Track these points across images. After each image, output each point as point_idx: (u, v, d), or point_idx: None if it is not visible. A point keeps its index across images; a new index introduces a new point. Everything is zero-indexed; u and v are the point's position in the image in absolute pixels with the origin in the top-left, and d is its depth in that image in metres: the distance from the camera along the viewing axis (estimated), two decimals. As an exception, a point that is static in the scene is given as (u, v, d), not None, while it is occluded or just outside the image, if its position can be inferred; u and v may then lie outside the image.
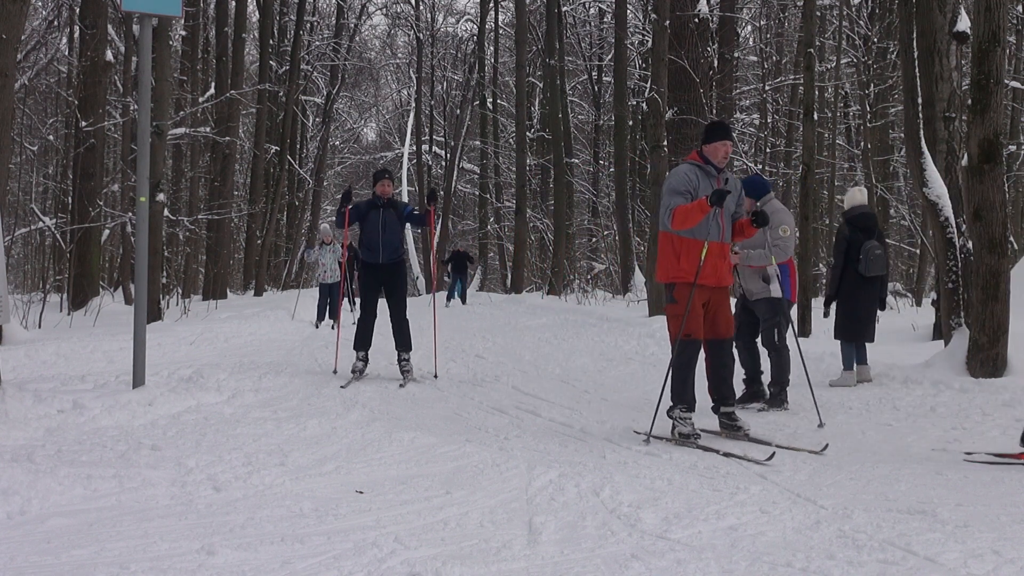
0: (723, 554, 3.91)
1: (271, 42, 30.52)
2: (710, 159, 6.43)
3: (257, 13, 32.38)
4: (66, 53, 23.77)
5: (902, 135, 18.29)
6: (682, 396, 6.44)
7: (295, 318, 17.18)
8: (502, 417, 7.41)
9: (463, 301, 23.78)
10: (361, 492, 4.97)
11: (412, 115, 42.17)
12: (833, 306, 9.14)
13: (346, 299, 17.85)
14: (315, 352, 11.87)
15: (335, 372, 9.77)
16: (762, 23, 26.93)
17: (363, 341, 9.60)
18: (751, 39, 30.27)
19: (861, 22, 22.60)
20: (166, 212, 16.91)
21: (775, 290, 7.85)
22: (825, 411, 7.59)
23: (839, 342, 8.97)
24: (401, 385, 9.12)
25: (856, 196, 9.13)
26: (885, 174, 22.77)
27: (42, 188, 30.99)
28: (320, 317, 16.97)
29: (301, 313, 17.90)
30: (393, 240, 9.49)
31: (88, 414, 6.92)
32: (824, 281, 21.52)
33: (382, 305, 9.82)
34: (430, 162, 44.07)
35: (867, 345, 8.86)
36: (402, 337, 9.57)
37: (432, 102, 44.37)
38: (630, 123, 28.01)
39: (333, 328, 15.69)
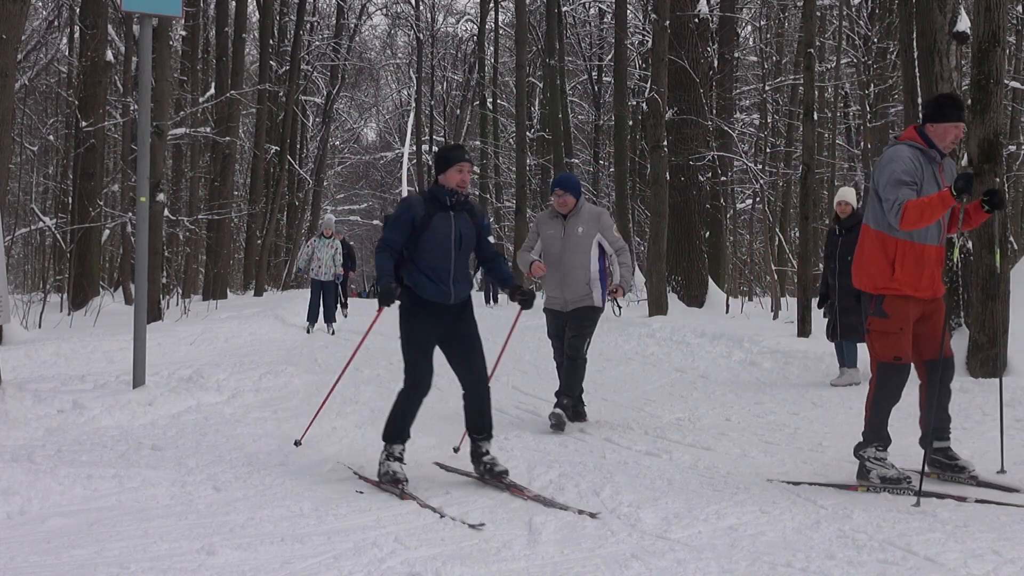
0: (723, 554, 3.91)
1: (271, 42, 30.51)
2: (935, 143, 5.06)
3: (257, 13, 32.38)
4: (66, 53, 23.76)
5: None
6: (879, 432, 5.27)
7: (286, 322, 16.07)
8: (502, 417, 7.40)
9: (495, 301, 23.79)
10: (361, 492, 4.97)
11: (412, 115, 42.19)
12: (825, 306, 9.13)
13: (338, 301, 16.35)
14: (315, 352, 11.87)
15: (297, 444, 6.02)
16: (762, 23, 26.92)
17: (400, 428, 5.43)
18: (751, 39, 30.26)
19: (861, 22, 22.59)
20: (166, 212, 16.89)
21: (598, 298, 7.19)
22: (825, 411, 7.58)
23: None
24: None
25: (848, 196, 9.10)
26: (885, 174, 22.69)
27: (42, 188, 30.97)
28: (312, 319, 15.39)
29: (292, 316, 16.76)
30: (467, 263, 5.65)
31: (88, 414, 6.92)
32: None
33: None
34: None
35: (859, 346, 8.86)
36: (483, 415, 5.55)
37: (432, 102, 44.37)
38: (630, 123, 27.99)
39: (333, 332, 15.04)
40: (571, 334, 7.15)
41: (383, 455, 5.31)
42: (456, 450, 5.91)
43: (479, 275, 24.27)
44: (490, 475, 5.27)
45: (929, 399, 5.40)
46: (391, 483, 5.11)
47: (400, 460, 5.27)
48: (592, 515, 4.46)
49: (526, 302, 5.67)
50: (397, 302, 5.34)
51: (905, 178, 4.94)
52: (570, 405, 7.08)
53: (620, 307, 7.58)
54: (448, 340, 5.50)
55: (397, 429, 5.38)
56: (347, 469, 5.57)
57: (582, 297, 7.12)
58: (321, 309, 15.34)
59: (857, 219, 8.94)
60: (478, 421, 5.52)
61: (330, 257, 15.38)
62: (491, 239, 6.01)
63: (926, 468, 5.05)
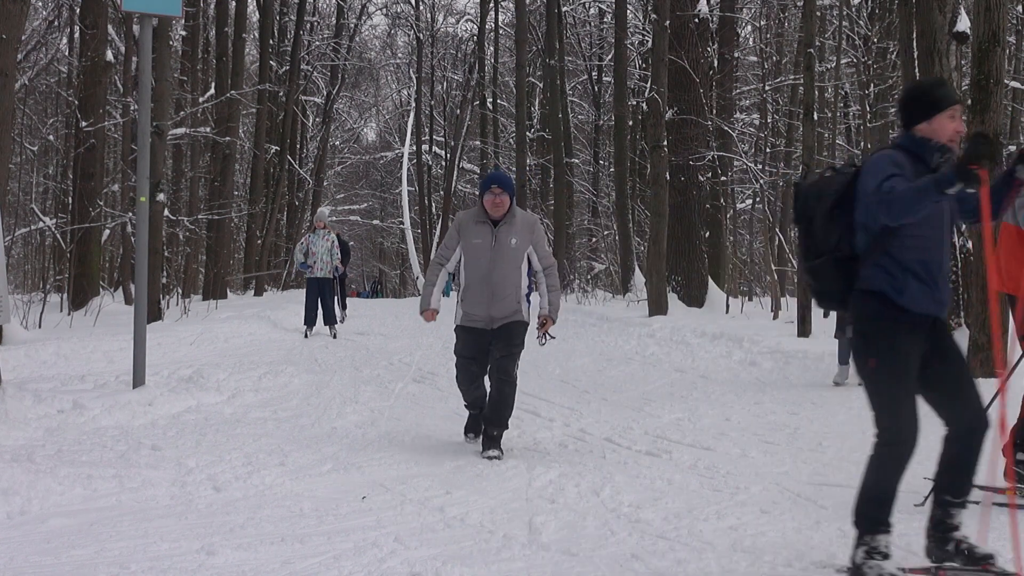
0: (723, 554, 3.91)
1: (271, 42, 30.49)
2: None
3: (257, 13, 32.36)
4: (66, 53, 23.77)
5: (902, 135, 18.25)
6: None
7: (279, 326, 14.88)
8: (502, 417, 7.39)
9: None
10: (365, 497, 4.94)
11: (412, 115, 42.16)
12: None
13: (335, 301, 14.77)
14: (315, 352, 11.87)
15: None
16: (762, 23, 26.91)
17: (882, 510, 3.72)
18: (751, 39, 30.24)
19: (861, 22, 22.59)
20: (166, 212, 16.88)
21: (526, 311, 6.30)
22: (825, 411, 7.58)
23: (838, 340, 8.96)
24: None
25: None
26: (885, 174, 22.71)
27: (42, 188, 30.97)
28: (310, 323, 13.96)
29: (285, 320, 15.59)
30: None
31: (88, 414, 6.92)
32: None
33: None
34: (430, 162, 44.07)
35: None
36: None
37: (432, 102, 44.35)
38: (630, 123, 27.99)
39: (335, 336, 13.81)
40: (499, 354, 6.01)
41: (860, 553, 3.56)
42: (921, 503, 4.15)
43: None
44: (969, 561, 3.55)
45: None
46: None
47: (887, 556, 3.55)
48: None
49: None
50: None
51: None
52: (500, 436, 6.00)
53: (548, 338, 6.24)
54: (928, 366, 3.63)
55: (877, 511, 3.58)
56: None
57: (511, 313, 6.09)
58: (320, 310, 13.99)
59: None
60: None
61: (326, 251, 14.08)
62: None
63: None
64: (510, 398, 6.04)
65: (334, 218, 16.24)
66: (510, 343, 6.08)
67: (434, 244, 38.75)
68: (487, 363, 6.17)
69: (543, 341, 6.20)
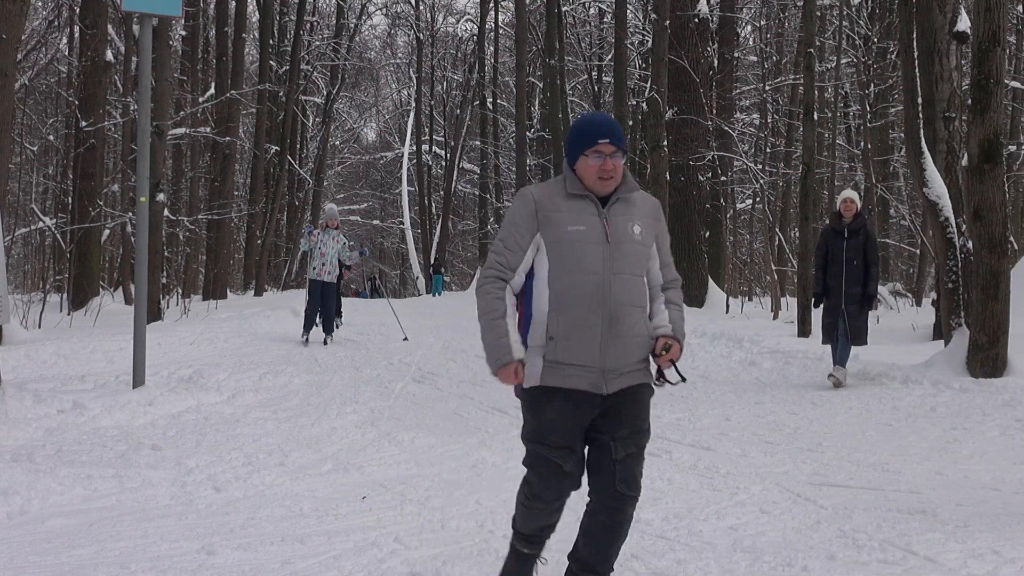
0: (723, 554, 3.91)
1: (271, 42, 30.49)
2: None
3: (257, 13, 32.37)
4: (66, 53, 23.77)
5: (902, 135, 18.29)
6: None
7: (270, 337, 13.36)
8: (502, 417, 7.41)
9: None
10: (365, 497, 4.94)
11: (412, 115, 42.17)
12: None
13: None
14: (315, 352, 11.87)
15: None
16: (762, 23, 26.92)
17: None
18: (751, 39, 30.26)
19: (861, 22, 22.59)
20: (166, 212, 16.88)
21: (652, 366, 4.54)
22: (825, 411, 7.58)
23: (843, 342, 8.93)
24: None
25: (854, 196, 9.08)
26: (885, 174, 22.77)
27: (42, 188, 30.98)
28: (309, 327, 12.75)
29: (276, 327, 14.47)
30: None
31: (88, 414, 6.92)
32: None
33: None
34: (430, 162, 44.07)
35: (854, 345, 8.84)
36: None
37: (432, 102, 44.36)
38: (630, 123, 27.99)
39: (327, 343, 12.69)
40: (623, 449, 3.32)
41: None
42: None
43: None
44: None
45: None
46: None
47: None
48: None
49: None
50: None
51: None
52: None
53: (679, 378, 3.44)
54: None
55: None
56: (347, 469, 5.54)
57: (637, 364, 3.37)
58: (320, 316, 12.87)
59: (862, 222, 8.91)
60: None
61: (335, 252, 12.83)
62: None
63: None
64: (626, 526, 3.42)
65: (336, 207, 14.47)
66: (638, 425, 3.36)
67: (434, 244, 38.79)
68: (583, 458, 3.39)
69: (662, 382, 3.46)
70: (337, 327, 13.85)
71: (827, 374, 8.75)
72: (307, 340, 12.68)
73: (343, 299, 14.43)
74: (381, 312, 14.63)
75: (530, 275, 3.37)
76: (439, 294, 32.72)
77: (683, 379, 3.45)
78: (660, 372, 3.44)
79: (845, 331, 8.67)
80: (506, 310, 3.34)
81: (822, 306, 9.01)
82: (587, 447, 3.36)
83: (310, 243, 12.93)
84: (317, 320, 12.91)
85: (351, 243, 13.18)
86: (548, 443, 3.31)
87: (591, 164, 3.29)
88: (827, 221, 9.69)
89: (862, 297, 8.70)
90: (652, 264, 3.45)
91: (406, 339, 12.47)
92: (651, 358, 3.39)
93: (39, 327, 13.23)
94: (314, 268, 12.81)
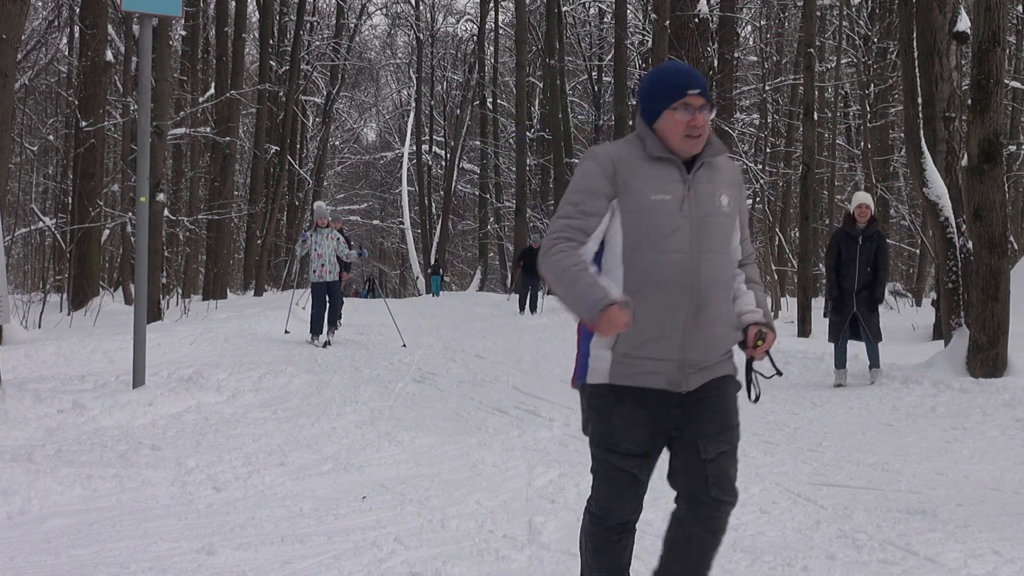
0: (723, 554, 3.90)
1: (271, 42, 30.50)
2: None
3: (257, 13, 32.38)
4: (66, 53, 23.77)
5: (902, 135, 18.30)
6: None
7: (287, 332, 13.39)
8: (502, 417, 7.41)
9: (532, 310, 18.79)
10: (365, 497, 4.94)
11: (412, 115, 42.17)
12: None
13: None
14: (315, 352, 11.86)
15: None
16: (762, 23, 26.92)
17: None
18: (751, 39, 30.25)
19: (861, 22, 22.59)
20: (166, 212, 16.88)
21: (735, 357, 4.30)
22: (825, 411, 7.58)
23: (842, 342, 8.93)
24: None
25: (868, 200, 9.03)
26: (885, 174, 22.77)
27: (42, 188, 30.99)
28: (317, 330, 12.56)
29: (276, 327, 14.08)
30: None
31: (88, 414, 6.92)
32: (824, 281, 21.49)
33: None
34: (430, 162, 44.07)
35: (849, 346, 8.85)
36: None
37: (432, 102, 44.36)
38: (630, 123, 27.97)
39: (326, 346, 12.33)
40: (713, 448, 2.93)
41: None
42: None
43: (536, 286, 18.56)
44: None
45: None
46: None
47: None
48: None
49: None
50: None
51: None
52: None
53: (774, 371, 3.13)
54: None
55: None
56: (347, 469, 5.54)
57: (723, 356, 3.02)
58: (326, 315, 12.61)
59: (876, 226, 8.88)
60: None
61: (332, 251, 12.44)
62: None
63: None
64: (721, 536, 2.99)
65: (325, 204, 13.35)
66: (728, 420, 3.01)
67: (434, 244, 38.81)
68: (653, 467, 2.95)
69: (754, 377, 3.09)
70: (337, 327, 13.58)
71: (834, 381, 8.74)
72: (315, 341, 12.53)
73: (343, 299, 14.06)
74: (381, 312, 14.63)
75: (599, 248, 2.88)
76: (438, 294, 32.78)
77: (779, 372, 3.08)
78: (750, 365, 3.01)
79: (866, 334, 8.66)
80: (587, 263, 2.81)
81: (830, 305, 9.02)
82: (670, 451, 2.91)
83: (304, 248, 12.64)
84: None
85: (348, 239, 12.88)
86: (620, 450, 2.87)
87: (678, 120, 2.80)
88: (838, 223, 9.66)
89: (870, 299, 8.71)
90: (734, 238, 2.98)
91: (404, 345, 12.42)
92: (738, 348, 3.02)
93: (39, 327, 13.23)
94: (314, 271, 12.48)
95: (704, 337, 2.85)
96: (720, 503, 2.87)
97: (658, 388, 2.83)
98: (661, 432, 2.88)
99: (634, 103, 28.20)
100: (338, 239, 12.62)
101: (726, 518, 2.90)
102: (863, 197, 9.03)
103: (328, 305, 12.53)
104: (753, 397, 3.04)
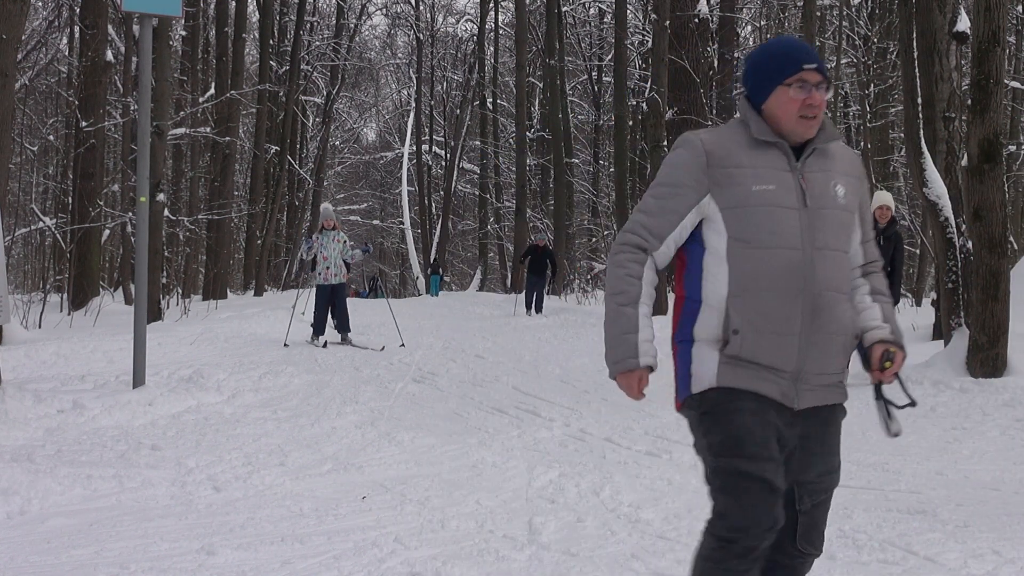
0: (723, 554, 3.90)
1: (271, 42, 30.51)
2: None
3: (257, 13, 32.38)
4: (66, 53, 23.79)
5: (902, 135, 18.29)
6: None
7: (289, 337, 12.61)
8: (502, 417, 7.41)
9: (538, 310, 18.24)
10: (365, 497, 4.94)
11: (412, 115, 42.17)
12: None
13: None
14: (315, 352, 11.86)
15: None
16: (762, 23, 26.94)
17: None
18: (751, 39, 30.26)
19: (861, 22, 22.60)
20: (166, 212, 16.89)
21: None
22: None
23: None
24: None
25: (888, 200, 8.98)
26: (885, 174, 22.77)
27: (42, 188, 31.00)
28: (320, 331, 12.53)
29: (277, 327, 13.94)
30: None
31: (88, 414, 6.92)
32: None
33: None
34: (430, 162, 44.07)
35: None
36: None
37: (432, 102, 44.36)
38: (630, 123, 28.00)
39: (344, 340, 12.46)
40: (810, 498, 2.65)
41: None
42: None
43: (542, 285, 18.27)
44: None
45: None
46: None
47: None
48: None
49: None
50: None
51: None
52: None
53: (908, 400, 2.71)
54: None
55: None
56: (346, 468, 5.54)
57: (835, 375, 2.68)
58: (331, 319, 12.66)
59: (895, 227, 8.85)
60: None
61: (338, 254, 12.51)
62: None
63: None
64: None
65: (331, 207, 13.37)
66: (831, 463, 2.75)
67: (434, 244, 38.84)
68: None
69: (894, 420, 2.73)
70: (349, 340, 13.42)
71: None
72: (315, 340, 12.50)
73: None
74: (382, 312, 14.63)
75: (697, 247, 2.56)
76: (437, 294, 32.79)
77: (913, 402, 2.63)
78: (879, 393, 2.66)
79: None
80: (640, 294, 2.54)
81: None
82: None
83: (311, 252, 12.58)
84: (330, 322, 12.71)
85: (352, 243, 12.97)
86: (747, 453, 2.44)
87: (793, 97, 2.49)
88: None
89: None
90: (853, 237, 2.63)
91: (403, 345, 12.44)
92: (863, 371, 2.70)
93: (39, 327, 13.24)
94: (319, 273, 12.49)
95: (822, 346, 2.52)
96: (806, 556, 2.61)
97: (772, 397, 2.50)
98: (775, 438, 2.49)
99: (634, 103, 28.22)
100: (344, 241, 12.65)
101: (808, 569, 2.65)
102: (884, 197, 8.95)
103: (335, 307, 12.56)
104: (893, 433, 2.68)
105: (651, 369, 2.54)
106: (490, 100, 39.74)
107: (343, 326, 12.65)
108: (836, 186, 2.56)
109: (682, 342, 2.59)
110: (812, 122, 2.51)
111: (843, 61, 22.37)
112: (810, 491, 2.57)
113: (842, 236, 2.56)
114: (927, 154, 9.96)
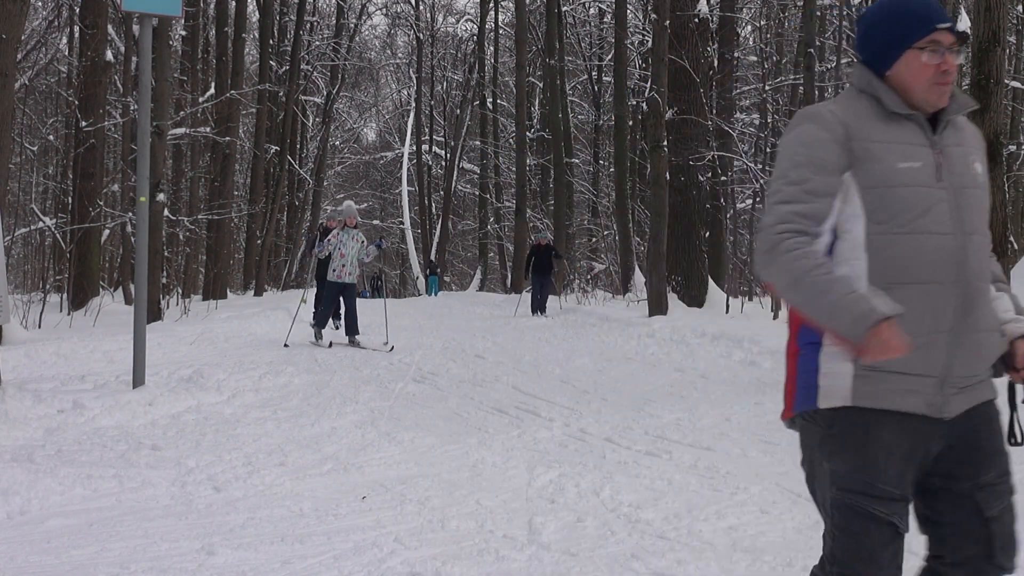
0: (723, 554, 3.90)
1: (271, 42, 30.52)
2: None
3: (257, 13, 32.40)
4: (66, 53, 23.79)
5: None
6: None
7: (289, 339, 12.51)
8: (502, 417, 7.41)
9: (542, 311, 18.11)
10: (364, 497, 4.95)
11: (412, 115, 42.18)
12: None
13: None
14: (315, 352, 11.86)
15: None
16: (762, 23, 26.94)
17: None
18: (751, 39, 30.26)
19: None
20: (166, 212, 16.89)
21: None
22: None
23: None
24: None
25: None
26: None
27: (42, 188, 31.00)
28: (323, 323, 12.58)
29: (277, 327, 14.19)
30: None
31: (88, 414, 6.92)
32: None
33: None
34: (430, 162, 44.08)
35: None
36: None
37: (432, 102, 44.38)
38: (630, 123, 28.00)
39: (352, 343, 12.34)
40: (996, 501, 2.26)
41: None
42: None
43: (545, 286, 18.07)
44: None
45: None
46: None
47: None
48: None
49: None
50: None
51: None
52: None
53: None
54: None
55: None
56: (346, 468, 5.55)
57: (984, 373, 2.32)
58: (342, 319, 12.62)
59: None
60: None
61: (355, 253, 12.30)
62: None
63: None
64: None
65: (354, 204, 13.12)
66: (1006, 465, 2.32)
67: (434, 244, 38.81)
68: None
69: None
70: (337, 328, 13.67)
71: None
72: (318, 336, 12.43)
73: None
74: (382, 312, 14.62)
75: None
76: (436, 295, 32.80)
77: None
78: (1013, 394, 2.33)
79: None
80: (822, 264, 2.12)
81: None
82: (923, 500, 2.28)
83: (329, 247, 12.30)
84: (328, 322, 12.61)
85: (366, 241, 12.76)
86: (876, 492, 2.15)
87: (926, 62, 2.18)
88: None
89: None
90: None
91: (389, 344, 12.32)
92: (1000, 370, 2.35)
93: (39, 327, 13.23)
94: (334, 270, 12.27)
95: (972, 344, 2.20)
96: (1005, 572, 2.25)
97: (915, 412, 2.17)
98: (917, 471, 2.22)
99: (634, 103, 28.20)
100: (362, 242, 12.43)
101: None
102: None
103: (345, 307, 12.49)
104: (1020, 438, 2.32)
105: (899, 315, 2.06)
106: (490, 100, 39.75)
107: (351, 328, 12.49)
108: (975, 163, 2.28)
109: (808, 344, 2.26)
110: (946, 89, 2.21)
111: (843, 61, 22.37)
112: (995, 494, 2.25)
113: (985, 218, 2.28)
114: (927, 154, 9.97)
